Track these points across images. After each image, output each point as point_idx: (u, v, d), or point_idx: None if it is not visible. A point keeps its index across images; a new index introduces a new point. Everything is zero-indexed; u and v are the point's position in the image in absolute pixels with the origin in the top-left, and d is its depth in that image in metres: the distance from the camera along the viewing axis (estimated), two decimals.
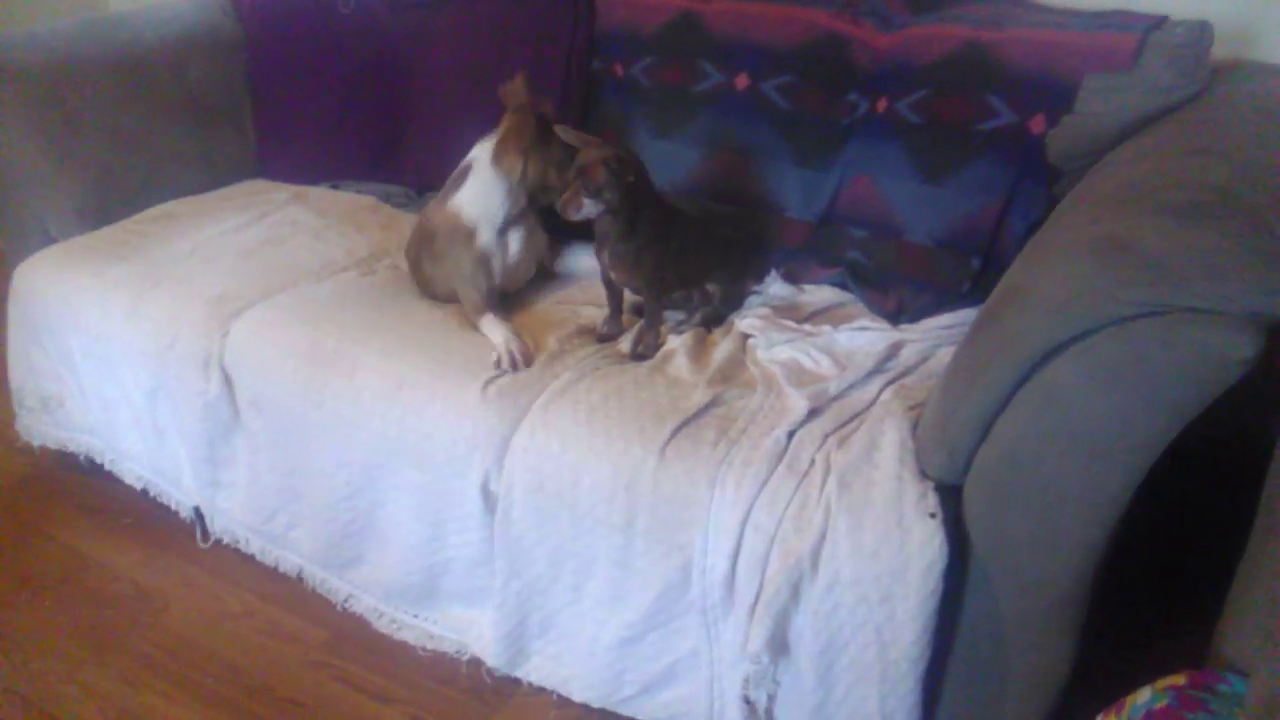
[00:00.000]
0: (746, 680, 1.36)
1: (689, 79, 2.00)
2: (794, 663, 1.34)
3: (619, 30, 2.11)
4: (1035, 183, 1.67)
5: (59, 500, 2.13)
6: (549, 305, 1.80)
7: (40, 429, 2.11)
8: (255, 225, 2.06)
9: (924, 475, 1.28)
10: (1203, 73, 1.58)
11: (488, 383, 1.54)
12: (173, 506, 1.98)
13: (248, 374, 1.71)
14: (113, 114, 2.16)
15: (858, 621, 1.27)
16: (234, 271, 1.88)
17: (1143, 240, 1.10)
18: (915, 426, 1.36)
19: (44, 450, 2.14)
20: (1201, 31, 1.58)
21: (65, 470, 2.17)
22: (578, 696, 1.57)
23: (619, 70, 2.11)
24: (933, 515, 1.22)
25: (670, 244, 1.65)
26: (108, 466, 2.05)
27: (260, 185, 2.34)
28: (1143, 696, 1.02)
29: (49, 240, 2.07)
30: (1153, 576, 1.60)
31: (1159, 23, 1.62)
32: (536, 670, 1.61)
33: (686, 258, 1.69)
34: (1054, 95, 1.63)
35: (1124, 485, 1.13)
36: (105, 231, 2.05)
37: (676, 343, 1.66)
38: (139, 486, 2.02)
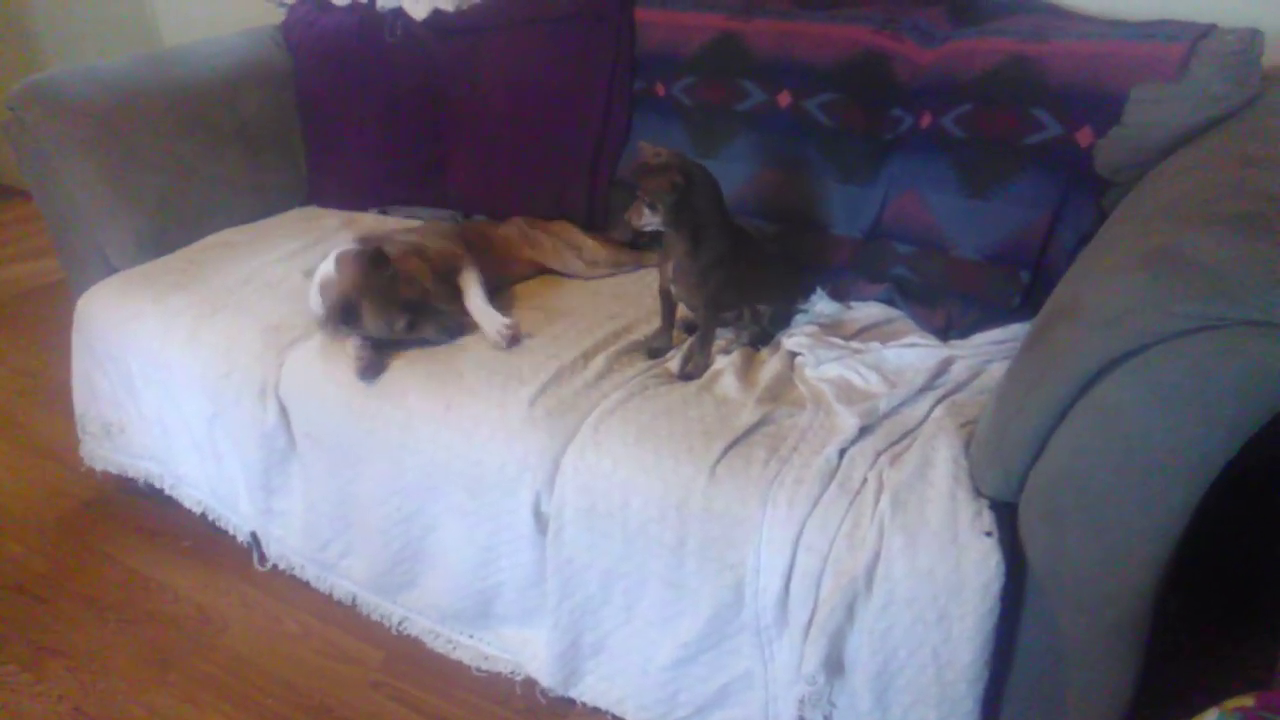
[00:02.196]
0: (802, 701, 1.36)
1: (731, 98, 2.01)
2: (850, 684, 1.34)
3: (660, 51, 2.13)
4: (1084, 195, 1.65)
5: (121, 524, 2.19)
6: (600, 320, 1.81)
7: (103, 454, 2.16)
8: (308, 252, 2.10)
9: (978, 493, 1.27)
10: (1254, 81, 1.56)
11: (532, 400, 1.56)
12: (230, 531, 2.03)
13: (302, 403, 1.74)
14: (170, 145, 2.22)
15: (914, 642, 1.26)
16: (289, 298, 1.92)
17: (1198, 252, 1.09)
18: (968, 444, 1.35)
19: (106, 475, 2.20)
20: (1251, 39, 1.56)
21: (126, 494, 2.23)
22: (632, 717, 1.58)
23: (660, 90, 2.12)
24: (988, 534, 1.21)
25: (735, 267, 1.65)
26: (168, 491, 2.10)
27: (311, 212, 2.40)
28: (1209, 718, 1.00)
29: (110, 270, 2.13)
30: (1216, 593, 1.57)
31: (1207, 31, 1.60)
32: (590, 691, 1.61)
33: (747, 280, 1.70)
34: (1101, 107, 1.62)
35: (1183, 501, 1.11)
36: (164, 260, 2.11)
37: (724, 362, 1.66)
38: (198, 511, 2.06)
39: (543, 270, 2.05)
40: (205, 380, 1.83)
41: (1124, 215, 1.40)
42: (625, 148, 2.19)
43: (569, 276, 2.05)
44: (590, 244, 2.06)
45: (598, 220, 2.20)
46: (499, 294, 1.90)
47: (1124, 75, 1.60)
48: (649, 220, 1.58)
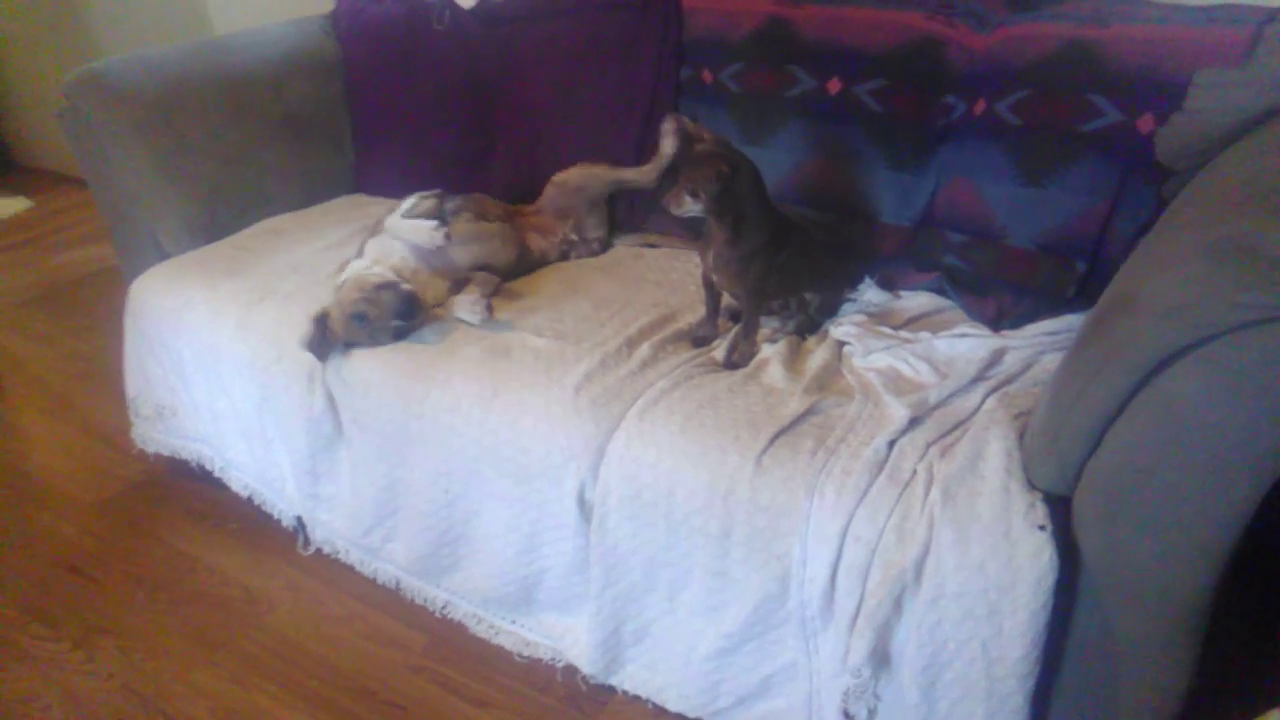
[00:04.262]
0: (846, 694, 1.34)
1: (780, 85, 1.98)
2: (896, 677, 1.32)
3: (707, 37, 2.11)
4: (1143, 183, 1.61)
5: (171, 505, 2.22)
6: (645, 308, 1.80)
7: (154, 437, 2.19)
8: (355, 239, 2.10)
9: (1032, 486, 1.25)
10: None
11: (577, 388, 1.55)
12: (276, 515, 2.05)
13: (349, 390, 1.75)
14: (220, 133, 2.24)
15: (963, 636, 1.23)
16: None
17: (1264, 242, 1.06)
18: (1021, 436, 1.32)
19: (157, 457, 2.23)
20: None
21: (176, 477, 2.26)
22: (673, 706, 1.57)
23: (707, 77, 2.10)
24: (1042, 528, 1.19)
25: (777, 256, 1.64)
26: (216, 474, 2.13)
27: (358, 200, 2.41)
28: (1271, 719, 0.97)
29: (162, 256, 2.16)
30: (1278, 590, 1.53)
31: (1273, 15, 1.55)
32: (631, 679, 1.61)
33: (790, 268, 1.68)
34: (1162, 93, 1.57)
35: (1247, 496, 1.08)
36: (214, 247, 2.14)
37: (770, 351, 1.65)
38: (245, 494, 2.09)
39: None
40: (254, 366, 1.85)
41: (1186, 204, 1.37)
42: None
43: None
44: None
45: (640, 208, 2.19)
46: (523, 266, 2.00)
47: (1187, 60, 1.56)
48: (690, 208, 1.56)
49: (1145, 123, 1.59)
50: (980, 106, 1.76)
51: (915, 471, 1.32)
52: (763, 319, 1.72)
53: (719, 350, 1.67)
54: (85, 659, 1.81)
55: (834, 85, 1.91)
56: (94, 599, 1.96)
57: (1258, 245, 1.06)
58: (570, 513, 1.54)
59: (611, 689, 1.65)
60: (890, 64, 1.86)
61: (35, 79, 4.39)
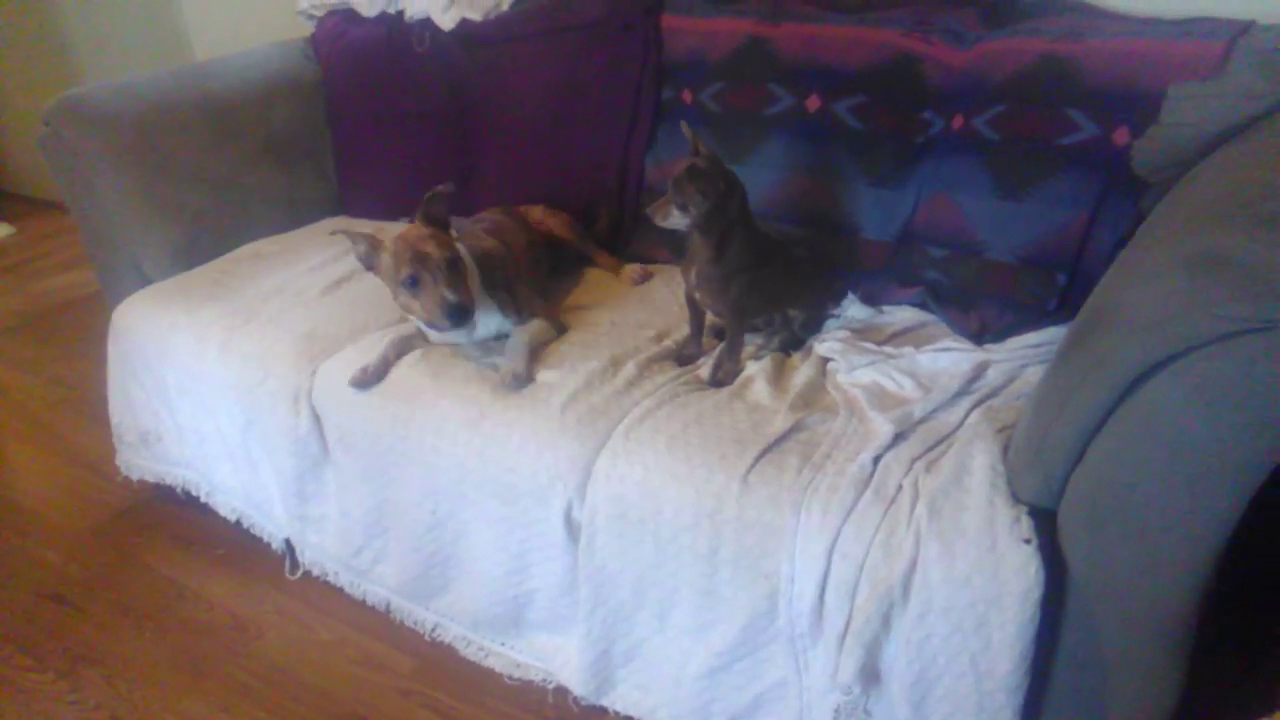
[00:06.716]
0: (837, 711, 1.34)
1: (759, 103, 1.99)
2: (886, 693, 1.32)
3: (687, 58, 2.11)
4: (1121, 196, 1.63)
5: (156, 532, 2.21)
6: (630, 329, 1.80)
7: (138, 463, 2.18)
8: (338, 261, 2.12)
9: (1017, 500, 1.25)
10: None
11: (563, 408, 1.55)
12: (264, 538, 2.04)
13: (335, 412, 1.75)
14: (202, 158, 2.25)
15: (952, 651, 1.24)
16: (321, 306, 1.93)
17: (1241, 253, 1.07)
18: (1005, 449, 1.33)
19: (142, 483, 2.22)
20: None
21: (162, 503, 2.25)
22: None
23: (688, 97, 2.11)
24: (1027, 541, 1.19)
25: (759, 273, 1.64)
26: (203, 499, 2.12)
27: (342, 223, 2.41)
28: None
29: (144, 281, 2.15)
30: (1264, 598, 1.54)
31: (1246, 28, 1.57)
32: (622, 699, 1.60)
33: (773, 285, 1.69)
34: (1138, 106, 1.59)
35: (1229, 507, 1.09)
36: (197, 271, 2.13)
37: (755, 368, 1.65)
38: (233, 518, 2.08)
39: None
40: (239, 389, 1.84)
41: (1163, 216, 1.38)
42: (650, 156, 2.19)
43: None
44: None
45: (625, 228, 2.20)
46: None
47: (1161, 73, 1.58)
48: (676, 221, 1.57)
49: (1121, 136, 1.61)
50: (958, 122, 1.77)
51: (901, 487, 1.32)
52: (747, 336, 1.73)
53: (704, 368, 1.68)
54: (70, 689, 1.80)
55: (813, 102, 1.92)
56: (79, 628, 1.94)
57: (1234, 257, 1.07)
58: (558, 532, 1.54)
59: (603, 710, 1.64)
60: (869, 81, 1.87)
61: (17, 105, 4.38)
